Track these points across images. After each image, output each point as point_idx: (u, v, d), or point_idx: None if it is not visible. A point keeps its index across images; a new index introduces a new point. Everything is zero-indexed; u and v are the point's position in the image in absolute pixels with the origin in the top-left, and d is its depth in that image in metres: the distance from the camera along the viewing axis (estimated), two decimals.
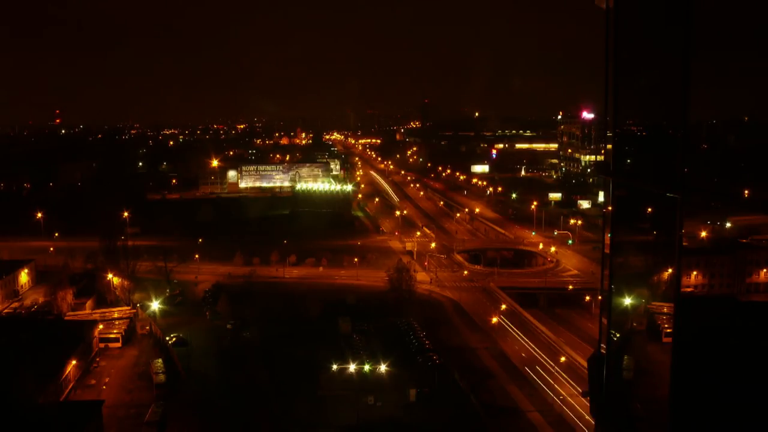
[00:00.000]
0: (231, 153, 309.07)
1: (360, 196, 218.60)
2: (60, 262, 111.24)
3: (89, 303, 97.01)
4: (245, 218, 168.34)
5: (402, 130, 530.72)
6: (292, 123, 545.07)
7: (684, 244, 8.85)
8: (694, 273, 9.59)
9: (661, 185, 9.44)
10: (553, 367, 78.45)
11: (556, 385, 73.85)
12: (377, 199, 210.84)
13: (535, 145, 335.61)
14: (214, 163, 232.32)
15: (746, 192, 8.12)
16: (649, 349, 10.34)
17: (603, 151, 11.68)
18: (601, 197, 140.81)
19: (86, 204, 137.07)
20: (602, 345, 11.55)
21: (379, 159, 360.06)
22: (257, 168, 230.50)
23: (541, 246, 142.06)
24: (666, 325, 9.30)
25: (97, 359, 79.21)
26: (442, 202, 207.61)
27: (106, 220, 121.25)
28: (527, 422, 67.45)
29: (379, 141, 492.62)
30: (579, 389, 68.48)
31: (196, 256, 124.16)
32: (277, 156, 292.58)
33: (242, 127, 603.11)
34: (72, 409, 59.22)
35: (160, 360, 73.49)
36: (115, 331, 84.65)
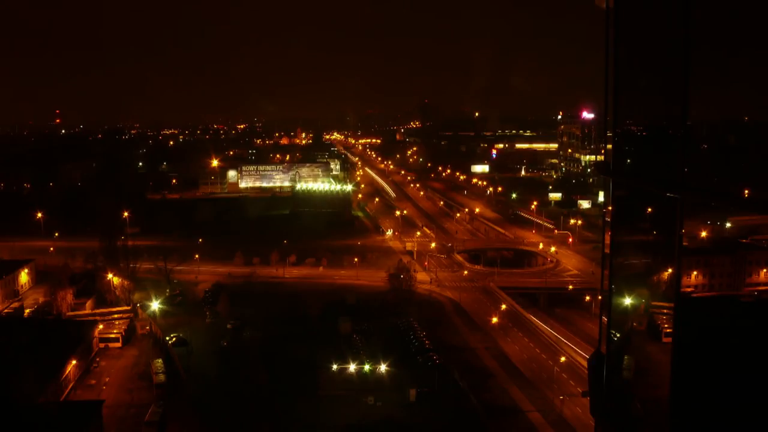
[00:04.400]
0: (231, 153, 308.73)
1: (360, 195, 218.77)
2: (60, 262, 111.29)
3: (89, 303, 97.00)
4: (245, 218, 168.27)
5: (402, 130, 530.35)
6: (292, 123, 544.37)
7: (684, 244, 8.85)
8: (694, 273, 9.58)
9: (661, 185, 9.44)
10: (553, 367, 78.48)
11: (555, 385, 73.90)
12: (377, 199, 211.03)
13: (535, 145, 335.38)
14: (214, 163, 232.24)
15: (746, 192, 8.12)
16: (649, 349, 10.34)
17: (603, 151, 11.67)
18: (601, 197, 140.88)
19: (86, 204, 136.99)
20: (602, 345, 11.55)
21: (379, 159, 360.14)
22: (257, 168, 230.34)
23: (541, 246, 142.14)
24: (666, 325, 9.30)
25: (97, 359, 79.25)
26: (442, 202, 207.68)
27: (106, 220, 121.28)
28: (527, 422, 67.48)
29: (379, 141, 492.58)
30: (579, 389, 68.52)
31: (196, 256, 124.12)
32: (277, 156, 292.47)
33: (242, 127, 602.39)
34: (72, 409, 59.24)
35: (160, 360, 73.51)
36: (115, 331, 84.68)
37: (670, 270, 9.16)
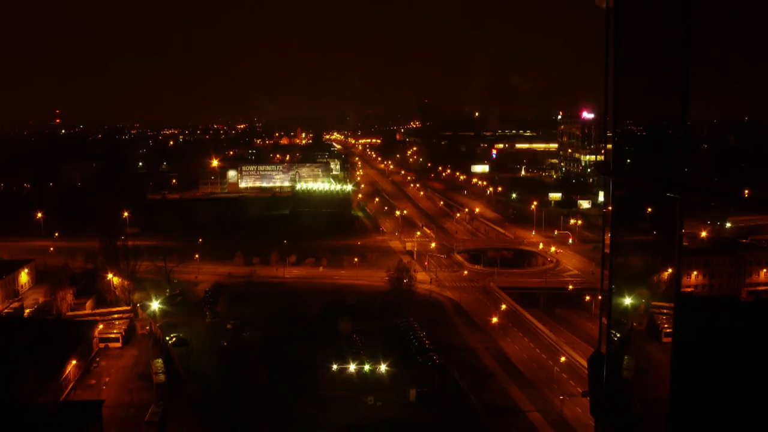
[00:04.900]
0: (231, 153, 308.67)
1: (360, 195, 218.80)
2: (60, 262, 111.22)
3: (89, 303, 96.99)
4: (245, 218, 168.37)
5: (402, 130, 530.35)
6: (292, 123, 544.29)
7: (684, 244, 8.85)
8: (694, 273, 9.58)
9: (661, 185, 9.44)
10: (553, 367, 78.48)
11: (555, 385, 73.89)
12: (377, 199, 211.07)
13: (535, 145, 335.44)
14: (214, 163, 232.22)
15: (746, 192, 8.12)
16: (649, 349, 10.34)
17: (603, 151, 11.68)
18: (601, 197, 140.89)
19: (86, 204, 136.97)
20: (602, 345, 11.55)
21: (379, 159, 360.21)
22: (257, 168, 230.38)
23: (541, 246, 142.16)
24: (666, 325, 9.30)
25: (97, 359, 79.28)
26: (442, 202, 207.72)
27: (106, 220, 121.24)
28: (527, 422, 67.50)
29: (379, 141, 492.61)
30: (579, 389, 68.54)
31: (196, 256, 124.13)
32: (277, 156, 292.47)
33: (242, 127, 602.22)
34: (72, 409, 59.23)
35: (160, 360, 73.51)
36: (115, 331, 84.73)
37: (670, 270, 9.16)
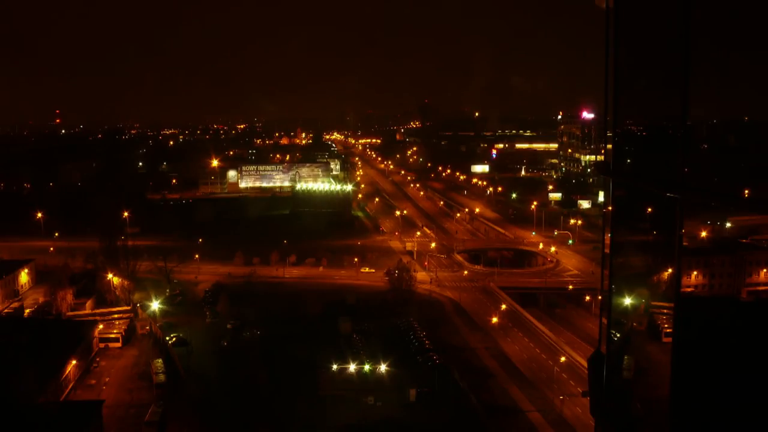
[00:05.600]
0: (231, 153, 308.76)
1: (361, 195, 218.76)
2: (60, 262, 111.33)
3: (89, 303, 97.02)
4: (245, 218, 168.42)
5: (402, 130, 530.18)
6: (292, 123, 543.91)
7: (684, 244, 8.85)
8: (694, 273, 9.58)
9: (661, 185, 9.44)
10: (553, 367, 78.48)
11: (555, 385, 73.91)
12: (377, 199, 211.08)
13: (535, 145, 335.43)
14: (214, 163, 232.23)
15: (746, 192, 8.12)
16: (649, 349, 10.34)
17: (603, 151, 11.68)
18: (601, 197, 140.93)
19: (86, 204, 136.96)
20: (602, 345, 11.55)
21: (379, 159, 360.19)
22: (257, 168, 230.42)
23: (541, 246, 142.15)
24: (666, 325, 9.30)
25: (97, 359, 79.29)
26: (442, 202, 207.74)
27: (106, 220, 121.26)
28: (527, 422, 67.51)
29: (379, 141, 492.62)
30: (579, 389, 68.54)
31: (196, 256, 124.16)
32: (277, 156, 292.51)
33: (242, 127, 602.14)
34: (72, 409, 59.26)
35: (160, 360, 73.52)
36: (115, 331, 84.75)
37: (670, 270, 9.16)
